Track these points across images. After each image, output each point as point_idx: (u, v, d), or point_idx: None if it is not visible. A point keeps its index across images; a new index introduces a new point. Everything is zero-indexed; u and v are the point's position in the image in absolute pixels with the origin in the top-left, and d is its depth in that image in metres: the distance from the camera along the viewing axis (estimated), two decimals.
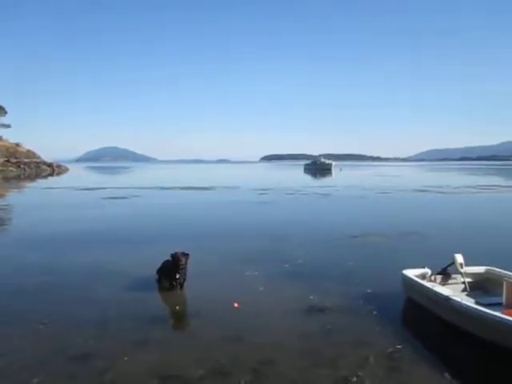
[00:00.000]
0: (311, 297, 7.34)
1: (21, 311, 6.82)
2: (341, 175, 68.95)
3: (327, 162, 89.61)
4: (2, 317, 6.58)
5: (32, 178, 58.94)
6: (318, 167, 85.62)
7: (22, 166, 75.84)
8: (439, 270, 7.32)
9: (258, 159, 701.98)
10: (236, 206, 23.13)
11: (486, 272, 7.24)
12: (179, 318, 6.82)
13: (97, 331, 5.97)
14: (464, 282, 7.08)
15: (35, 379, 4.66)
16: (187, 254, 7.70)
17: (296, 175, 70.27)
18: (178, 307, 7.08)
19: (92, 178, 61.80)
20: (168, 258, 7.82)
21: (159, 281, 8.05)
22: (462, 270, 7.08)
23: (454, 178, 59.77)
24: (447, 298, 6.01)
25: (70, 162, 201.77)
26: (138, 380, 4.69)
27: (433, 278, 7.25)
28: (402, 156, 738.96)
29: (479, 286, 7.06)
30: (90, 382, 4.63)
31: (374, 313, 6.66)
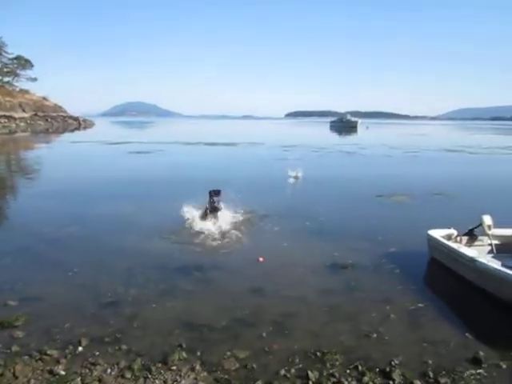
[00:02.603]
0: (335, 253, 7.39)
1: (51, 259, 7.12)
2: (367, 133, 67.53)
3: (353, 119, 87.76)
4: (36, 264, 6.89)
5: (60, 131, 59.69)
6: (343, 125, 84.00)
7: (49, 120, 76.58)
8: (466, 231, 7.21)
9: (282, 115, 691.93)
10: (258, 162, 23.07)
11: None
12: (204, 270, 6.93)
13: (125, 280, 6.19)
14: (491, 244, 6.96)
15: (68, 324, 4.90)
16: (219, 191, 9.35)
17: (321, 133, 69.24)
18: (202, 259, 7.22)
19: (118, 133, 62.39)
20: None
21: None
22: (490, 232, 6.94)
23: (485, 138, 57.81)
24: (472, 260, 5.94)
25: (96, 116, 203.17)
26: (164, 326, 4.88)
27: (458, 238, 7.15)
28: (430, 114, 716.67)
29: (507, 249, 6.91)
30: (119, 327, 4.83)
31: (397, 271, 6.68)
